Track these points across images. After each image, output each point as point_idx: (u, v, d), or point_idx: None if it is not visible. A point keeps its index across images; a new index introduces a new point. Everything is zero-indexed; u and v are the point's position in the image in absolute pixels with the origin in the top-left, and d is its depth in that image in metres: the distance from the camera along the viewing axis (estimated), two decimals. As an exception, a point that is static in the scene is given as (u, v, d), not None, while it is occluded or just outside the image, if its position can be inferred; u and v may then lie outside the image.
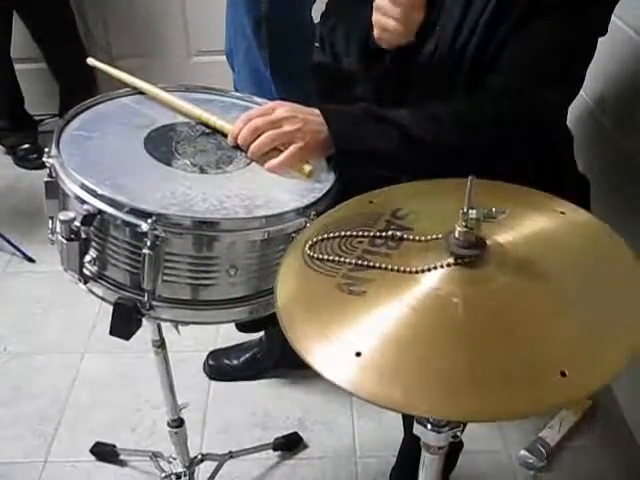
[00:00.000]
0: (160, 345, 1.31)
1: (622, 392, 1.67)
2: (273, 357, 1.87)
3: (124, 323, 0.98)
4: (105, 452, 1.70)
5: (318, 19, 1.90)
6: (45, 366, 1.97)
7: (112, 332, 0.98)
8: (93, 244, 0.97)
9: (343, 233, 0.86)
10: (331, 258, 0.82)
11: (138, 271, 0.95)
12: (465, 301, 0.73)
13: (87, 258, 0.98)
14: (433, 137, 1.13)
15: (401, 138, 1.12)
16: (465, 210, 0.76)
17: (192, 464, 1.50)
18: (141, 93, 1.25)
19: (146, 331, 1.88)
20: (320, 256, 0.83)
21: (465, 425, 0.96)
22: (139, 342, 1.90)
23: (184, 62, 3.10)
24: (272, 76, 1.87)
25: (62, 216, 0.94)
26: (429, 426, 0.92)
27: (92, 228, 0.95)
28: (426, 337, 0.70)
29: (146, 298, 0.96)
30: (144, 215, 0.90)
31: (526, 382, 0.65)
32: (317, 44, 1.82)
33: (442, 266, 0.76)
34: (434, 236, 0.81)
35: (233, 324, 1.68)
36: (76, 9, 2.91)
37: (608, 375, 0.65)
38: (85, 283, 1.01)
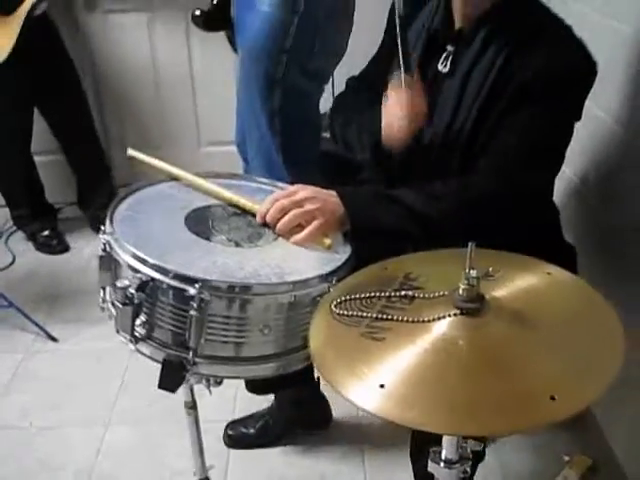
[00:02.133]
0: (192, 407, 1.44)
1: (621, 450, 1.79)
2: (283, 420, 2.01)
3: (171, 378, 1.13)
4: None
5: (325, 110, 2.15)
6: (69, 439, 2.09)
7: (160, 386, 1.13)
8: (144, 308, 1.13)
9: (364, 294, 1.02)
10: (355, 313, 0.98)
11: (183, 331, 1.11)
12: (468, 343, 0.89)
13: (138, 321, 1.14)
14: (434, 213, 1.31)
15: (407, 215, 1.31)
16: (467, 270, 0.92)
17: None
18: (175, 179, 1.43)
19: (165, 404, 2.03)
20: (345, 312, 0.99)
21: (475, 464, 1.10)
22: (161, 413, 2.06)
23: (195, 152, 3.32)
24: (284, 163, 2.06)
25: (119, 284, 1.10)
26: (442, 464, 1.06)
27: (144, 294, 1.11)
28: (437, 372, 0.86)
29: (190, 355, 1.12)
30: (191, 281, 1.07)
31: (522, 406, 0.80)
32: (327, 134, 2.04)
33: (449, 316, 0.92)
34: (441, 293, 0.98)
35: (247, 393, 1.83)
36: (95, 107, 3.16)
37: (588, 399, 0.81)
38: (135, 344, 1.15)
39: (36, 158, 3.10)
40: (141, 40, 3.16)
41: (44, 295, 2.73)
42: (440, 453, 1.06)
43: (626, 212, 1.69)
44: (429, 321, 0.93)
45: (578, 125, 1.39)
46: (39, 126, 3.00)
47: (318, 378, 1.96)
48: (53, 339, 2.49)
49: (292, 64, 1.96)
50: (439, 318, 0.93)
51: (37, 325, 2.48)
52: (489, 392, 0.83)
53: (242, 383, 2.01)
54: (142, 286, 1.10)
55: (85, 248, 3.09)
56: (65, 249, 3.07)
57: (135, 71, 3.22)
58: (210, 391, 1.29)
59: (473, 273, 0.92)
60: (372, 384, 0.85)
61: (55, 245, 3.05)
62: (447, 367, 0.87)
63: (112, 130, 3.30)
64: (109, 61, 3.21)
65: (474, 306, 0.93)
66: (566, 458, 1.82)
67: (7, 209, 3.13)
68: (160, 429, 2.10)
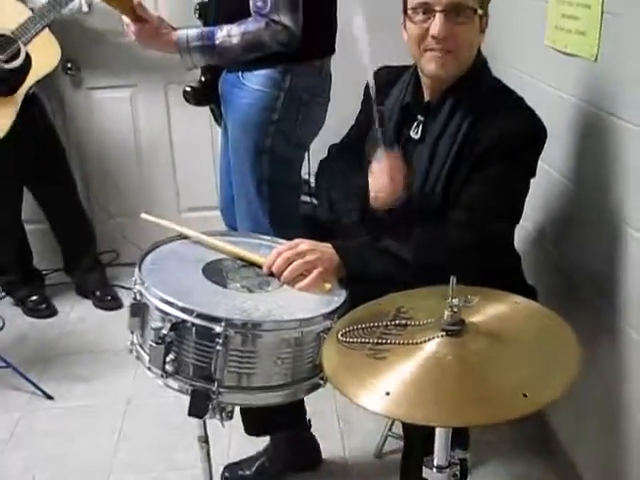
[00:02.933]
0: (205, 440, 1.61)
1: (590, 475, 2.00)
2: (279, 461, 2.16)
3: (198, 407, 1.32)
4: None
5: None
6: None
7: (190, 414, 1.32)
8: (174, 347, 1.33)
9: (364, 325, 1.24)
10: (358, 340, 1.20)
11: (208, 365, 1.31)
12: (454, 358, 1.11)
13: (168, 358, 1.33)
14: (416, 261, 1.54)
15: (393, 262, 1.54)
16: (450, 299, 1.15)
17: None
18: (185, 238, 1.65)
19: (164, 453, 2.18)
20: (350, 340, 1.21)
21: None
22: (160, 462, 2.20)
23: (175, 218, 3.52)
24: (271, 226, 2.25)
25: (153, 325, 1.30)
26: (434, 469, 1.27)
27: (174, 334, 1.31)
28: (431, 381, 1.08)
29: (215, 386, 1.32)
30: (217, 320, 1.28)
31: (500, 402, 1.02)
32: (307, 199, 2.28)
33: (437, 337, 1.14)
34: (429, 320, 1.20)
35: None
36: (80, 177, 3.37)
37: (554, 395, 1.03)
38: (165, 379, 1.34)
39: (26, 226, 3.28)
40: (124, 113, 3.40)
41: (36, 357, 2.86)
42: (432, 461, 1.27)
43: (577, 257, 1.95)
44: (421, 342, 1.15)
45: (534, 182, 1.65)
46: (26, 196, 3.19)
47: (309, 420, 2.15)
48: (49, 397, 2.62)
49: (279, 135, 2.18)
50: (429, 339, 1.15)
51: (33, 384, 2.62)
52: (473, 393, 1.05)
53: (235, 428, 2.18)
54: (173, 327, 1.30)
55: (71, 312, 3.26)
56: (53, 313, 3.22)
57: (118, 143, 3.46)
58: (223, 424, 1.48)
59: (455, 301, 1.15)
60: (379, 392, 1.06)
61: (43, 310, 3.21)
62: (438, 377, 1.09)
63: (96, 199, 3.50)
64: (93, 134, 3.44)
65: (457, 328, 1.15)
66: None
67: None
68: (159, 477, 2.24)
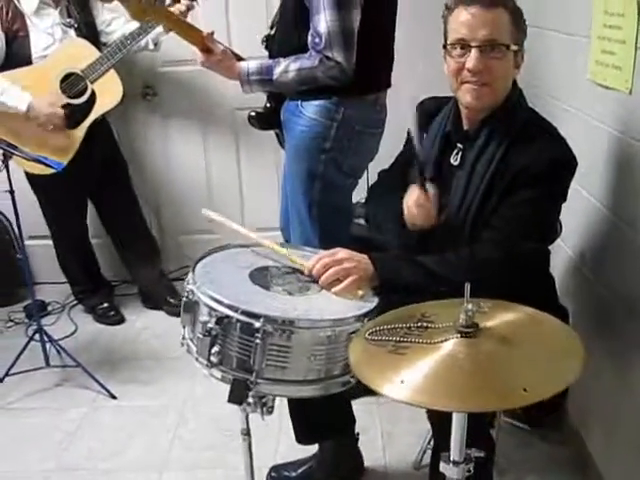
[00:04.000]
0: (247, 433, 1.75)
1: None
2: (324, 469, 2.27)
3: (237, 394, 1.46)
4: None
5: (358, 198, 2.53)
6: (129, 481, 2.40)
7: (229, 400, 1.47)
8: (218, 340, 1.48)
9: (389, 326, 1.36)
10: (383, 338, 1.32)
11: (248, 358, 1.46)
12: (466, 356, 1.22)
13: (213, 350, 1.48)
14: (447, 274, 1.66)
15: (425, 274, 1.66)
16: (465, 304, 1.27)
17: None
18: (242, 246, 1.81)
19: (213, 453, 2.32)
20: (376, 338, 1.33)
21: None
22: (209, 461, 2.34)
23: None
24: (320, 246, 2.38)
25: (201, 319, 1.46)
26: (451, 464, 1.37)
27: (219, 327, 1.46)
28: (445, 374, 1.20)
29: (253, 377, 1.46)
30: (257, 317, 1.43)
31: (503, 394, 1.13)
32: (361, 221, 2.42)
33: (453, 338, 1.26)
34: (447, 324, 1.31)
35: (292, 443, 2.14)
36: (152, 202, 3.65)
37: (549, 392, 1.13)
38: (210, 369, 1.49)
39: (93, 241, 3.56)
40: (195, 137, 3.65)
41: (103, 360, 3.09)
42: (449, 456, 1.38)
43: (612, 281, 2.02)
44: (438, 342, 1.27)
45: (575, 208, 1.74)
46: (92, 212, 3.46)
47: (357, 434, 2.26)
48: (113, 397, 2.82)
49: (330, 163, 2.34)
50: (446, 340, 1.27)
51: (99, 384, 2.82)
52: (479, 385, 1.16)
53: (284, 435, 2.32)
54: (219, 321, 1.45)
55: (137, 321, 3.49)
56: (121, 320, 3.45)
57: (189, 170, 3.70)
58: (263, 417, 1.61)
59: (470, 307, 1.26)
60: (397, 381, 1.19)
61: (112, 316, 3.45)
62: (450, 371, 1.21)
63: (165, 218, 3.78)
64: (166, 157, 3.69)
65: (471, 331, 1.26)
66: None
67: (68, 285, 3.56)
68: (208, 475, 2.39)
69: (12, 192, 2.66)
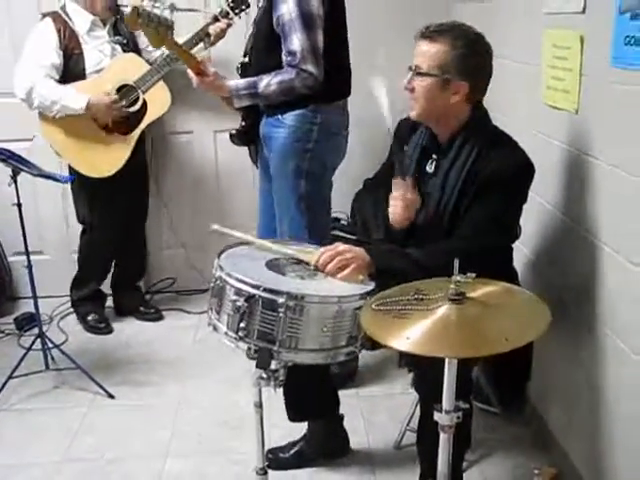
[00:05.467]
0: (259, 406, 2.01)
1: (582, 463, 2.37)
2: (315, 448, 2.57)
3: (263, 361, 1.76)
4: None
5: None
6: (135, 469, 2.62)
7: (257, 366, 1.76)
8: (245, 316, 1.77)
9: (392, 299, 1.68)
10: (388, 308, 1.64)
11: (272, 330, 1.75)
12: (457, 317, 1.55)
13: (241, 325, 1.77)
14: (430, 263, 1.99)
15: (410, 263, 1.99)
16: (455, 276, 1.59)
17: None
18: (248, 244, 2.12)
19: (211, 443, 2.58)
20: (381, 308, 1.65)
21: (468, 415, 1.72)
22: (208, 450, 2.61)
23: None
24: (309, 235, 2.75)
25: (231, 298, 1.76)
26: (443, 412, 1.68)
27: (247, 305, 1.75)
28: (441, 332, 1.52)
29: (276, 347, 1.76)
30: (280, 293, 1.74)
31: (488, 342, 1.46)
32: (342, 220, 2.76)
33: (445, 304, 1.58)
34: (439, 295, 1.64)
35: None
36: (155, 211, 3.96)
37: (527, 340, 1.47)
38: (238, 341, 1.79)
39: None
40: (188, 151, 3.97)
41: (97, 365, 3.31)
42: (441, 407, 1.69)
43: (565, 277, 2.38)
44: (433, 309, 1.59)
45: (531, 212, 2.09)
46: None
47: (342, 415, 2.56)
48: (111, 396, 3.06)
49: (314, 160, 2.77)
50: (439, 306, 1.59)
51: (98, 384, 3.06)
52: (469, 338, 1.49)
53: (276, 422, 2.59)
54: (247, 299, 1.75)
55: (125, 329, 3.72)
56: (110, 332, 3.70)
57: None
58: (275, 391, 1.91)
59: (458, 278, 1.59)
60: (402, 338, 1.50)
61: (103, 328, 3.69)
62: (446, 329, 1.53)
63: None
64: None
65: (459, 298, 1.59)
66: (536, 471, 2.43)
67: (56, 299, 3.80)
68: (209, 460, 2.65)
69: (19, 205, 2.90)
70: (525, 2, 2.68)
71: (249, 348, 1.80)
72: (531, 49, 2.57)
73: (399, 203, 2.15)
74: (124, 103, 3.35)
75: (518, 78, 2.76)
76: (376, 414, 2.89)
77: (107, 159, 3.38)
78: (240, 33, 3.48)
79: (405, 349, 1.49)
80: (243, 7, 3.37)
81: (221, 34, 3.36)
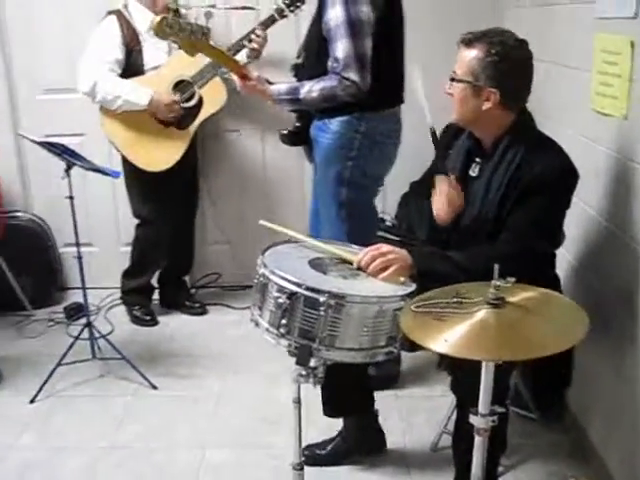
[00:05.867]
0: (298, 402, 2.06)
1: (620, 477, 2.36)
2: (350, 445, 2.61)
3: (303, 358, 1.80)
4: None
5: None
6: (177, 457, 2.70)
7: (297, 363, 1.80)
8: (287, 313, 1.82)
9: (432, 301, 1.71)
10: (427, 310, 1.67)
11: (312, 328, 1.79)
12: (495, 321, 1.57)
13: (283, 322, 1.82)
14: (471, 266, 2.01)
15: (452, 266, 2.02)
16: (494, 281, 1.61)
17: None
18: (294, 241, 2.17)
19: (250, 433, 2.64)
20: (421, 310, 1.68)
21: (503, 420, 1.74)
22: (247, 440, 2.67)
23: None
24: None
25: (273, 295, 1.80)
26: (479, 416, 1.71)
27: (289, 302, 1.80)
28: (479, 334, 1.54)
29: (316, 344, 1.80)
30: (321, 292, 1.77)
31: (526, 347, 1.48)
32: (387, 221, 2.80)
33: (484, 308, 1.60)
34: (478, 299, 1.66)
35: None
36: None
37: (565, 346, 1.48)
38: (279, 338, 1.83)
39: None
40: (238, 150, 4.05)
41: (141, 356, 3.40)
42: (477, 410, 1.71)
43: (610, 285, 2.37)
44: (473, 312, 1.61)
45: (575, 217, 2.09)
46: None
47: (377, 411, 2.60)
48: (154, 387, 3.14)
49: (356, 168, 2.77)
50: (478, 310, 1.61)
51: (142, 375, 3.15)
52: (506, 341, 1.51)
53: (315, 420, 2.63)
54: (289, 297, 1.79)
55: (170, 322, 3.82)
56: (155, 324, 3.80)
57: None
58: (315, 386, 1.95)
59: (498, 282, 1.61)
60: (440, 340, 1.53)
61: (148, 320, 3.80)
62: (484, 331, 1.55)
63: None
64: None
65: (498, 302, 1.61)
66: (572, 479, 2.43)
67: (104, 291, 3.92)
68: (248, 452, 2.71)
69: (72, 198, 2.99)
70: (576, 7, 2.67)
71: (289, 345, 1.84)
72: (582, 55, 2.56)
73: (443, 199, 2.19)
74: (180, 98, 3.44)
75: (568, 83, 2.75)
76: (414, 415, 2.92)
77: (164, 153, 3.49)
78: (296, 33, 3.58)
79: (443, 351, 1.51)
80: (298, 4, 3.41)
81: (263, 43, 3.41)
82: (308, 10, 3.09)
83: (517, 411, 2.77)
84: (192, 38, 2.52)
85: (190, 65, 3.44)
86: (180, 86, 3.49)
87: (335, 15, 2.58)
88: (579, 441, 2.65)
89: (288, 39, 3.59)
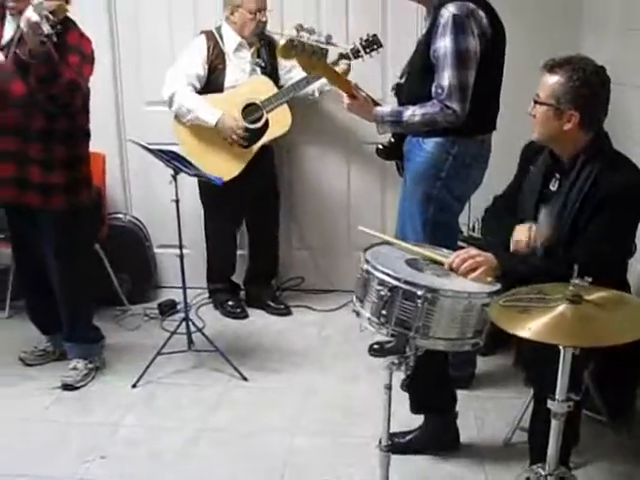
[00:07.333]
0: (389, 387, 2.34)
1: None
2: (428, 439, 2.87)
3: (399, 346, 2.09)
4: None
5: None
6: (268, 441, 3.01)
7: (392, 351, 2.10)
8: (387, 304, 2.12)
9: (518, 297, 1.99)
10: (513, 304, 1.95)
11: (409, 319, 2.09)
12: (573, 315, 1.85)
13: (383, 312, 2.13)
14: (548, 271, 2.28)
15: (533, 269, 2.30)
16: (574, 279, 1.89)
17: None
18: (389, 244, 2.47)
19: (335, 424, 2.92)
20: (508, 304, 1.96)
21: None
22: (334, 429, 2.98)
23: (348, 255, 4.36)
24: None
25: (376, 288, 2.11)
26: (556, 402, 1.98)
27: (390, 294, 2.10)
28: (559, 324, 1.82)
29: (412, 333, 2.10)
30: (419, 286, 2.08)
31: (604, 335, 1.76)
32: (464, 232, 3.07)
33: (563, 304, 1.88)
34: (559, 295, 1.93)
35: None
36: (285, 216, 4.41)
37: (633, 338, 1.75)
38: (379, 327, 2.13)
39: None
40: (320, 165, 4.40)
41: (232, 350, 3.73)
42: (554, 397, 1.98)
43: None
44: (553, 307, 1.89)
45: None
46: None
47: (457, 412, 2.87)
48: (244, 378, 3.47)
49: (444, 188, 3.01)
50: (558, 305, 1.89)
51: (234, 367, 3.49)
52: (584, 330, 1.79)
53: (401, 406, 2.91)
54: (390, 290, 2.10)
55: (256, 321, 4.17)
56: (246, 316, 4.20)
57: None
58: (406, 374, 2.24)
59: (577, 281, 1.89)
60: (525, 328, 1.82)
61: (239, 313, 4.20)
62: (564, 322, 1.83)
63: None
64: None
65: (576, 299, 1.88)
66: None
67: (194, 290, 4.27)
68: (333, 440, 3.01)
69: (177, 201, 3.36)
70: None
71: (387, 333, 2.14)
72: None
73: (522, 245, 2.46)
74: (244, 124, 3.81)
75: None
76: (487, 414, 3.17)
77: (223, 167, 3.81)
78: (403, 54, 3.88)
79: (527, 336, 1.80)
80: (375, 46, 3.72)
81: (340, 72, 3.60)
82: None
83: (587, 413, 2.98)
84: (312, 59, 2.84)
85: (263, 90, 3.83)
86: (250, 108, 3.85)
87: (444, 45, 2.79)
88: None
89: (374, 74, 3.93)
